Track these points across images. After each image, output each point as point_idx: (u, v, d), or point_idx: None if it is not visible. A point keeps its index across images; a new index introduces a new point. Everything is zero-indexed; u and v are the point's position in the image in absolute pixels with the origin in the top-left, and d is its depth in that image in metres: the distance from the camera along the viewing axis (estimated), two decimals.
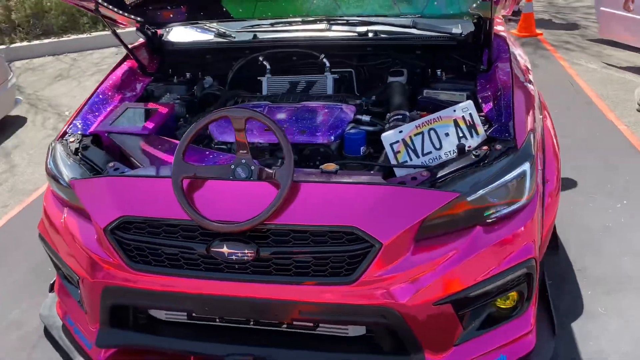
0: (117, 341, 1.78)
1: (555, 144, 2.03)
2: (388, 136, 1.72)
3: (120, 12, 2.17)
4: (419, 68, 2.26)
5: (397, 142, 1.72)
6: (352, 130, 1.87)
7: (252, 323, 1.68)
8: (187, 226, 1.54)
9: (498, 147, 1.65)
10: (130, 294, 1.67)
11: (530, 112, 1.83)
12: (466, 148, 1.69)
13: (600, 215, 2.64)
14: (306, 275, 1.51)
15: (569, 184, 2.82)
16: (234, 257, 1.51)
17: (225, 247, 1.50)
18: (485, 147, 1.66)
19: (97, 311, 1.74)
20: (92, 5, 2.07)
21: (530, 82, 2.01)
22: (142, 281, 1.62)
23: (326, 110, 1.97)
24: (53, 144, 1.98)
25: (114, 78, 2.32)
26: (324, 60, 2.25)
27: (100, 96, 2.21)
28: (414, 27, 2.24)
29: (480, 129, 1.74)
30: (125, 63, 2.42)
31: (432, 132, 1.73)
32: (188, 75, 2.46)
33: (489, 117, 1.81)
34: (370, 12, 2.12)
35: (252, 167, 1.56)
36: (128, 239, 1.60)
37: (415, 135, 1.73)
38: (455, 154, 1.69)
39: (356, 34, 2.27)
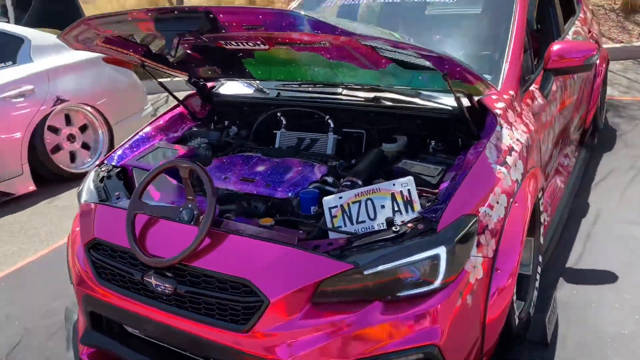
0: (95, 342, 2.12)
1: (522, 235, 1.91)
2: (328, 200, 1.82)
3: (165, 68, 2.59)
4: (416, 137, 2.29)
5: (336, 207, 1.81)
6: (307, 190, 1.99)
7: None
8: (132, 255, 1.83)
9: (420, 226, 1.66)
10: (97, 304, 2.00)
11: (482, 197, 1.78)
12: (395, 222, 1.72)
13: (620, 319, 2.32)
14: (212, 316, 1.68)
15: (606, 276, 2.54)
16: (159, 288, 1.75)
17: (153, 278, 1.75)
18: (410, 225, 1.68)
19: (82, 313, 2.11)
20: (138, 62, 2.52)
21: (504, 164, 1.93)
22: (105, 295, 1.94)
23: (299, 168, 2.12)
24: (90, 171, 2.44)
25: (163, 119, 2.74)
26: (329, 121, 2.40)
27: (143, 134, 2.64)
28: (417, 97, 2.29)
29: (417, 205, 1.76)
30: (179, 107, 2.84)
31: (369, 202, 1.79)
32: (226, 123, 2.79)
33: (439, 195, 1.80)
34: (362, 82, 2.25)
35: (195, 212, 1.80)
36: (97, 257, 1.95)
37: (353, 202, 1.80)
38: (384, 226, 1.73)
39: (362, 99, 2.39)
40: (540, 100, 2.53)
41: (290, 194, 1.99)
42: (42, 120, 4.24)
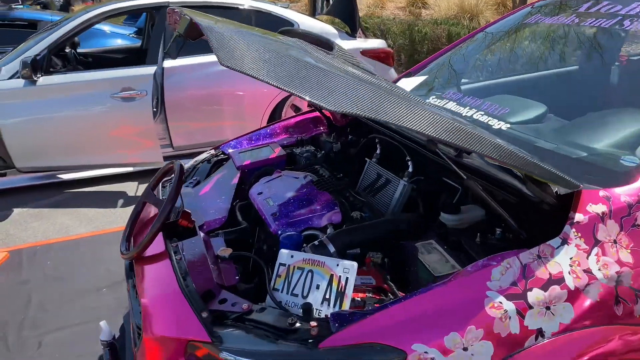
0: None
1: None
2: (282, 255, 1.53)
3: None
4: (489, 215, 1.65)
5: (285, 265, 1.51)
6: (291, 234, 1.69)
7: None
8: None
9: (314, 332, 1.24)
10: None
11: (434, 331, 1.18)
12: (313, 312, 1.33)
13: None
14: None
15: None
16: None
17: None
18: (313, 324, 1.26)
19: None
20: None
21: (519, 298, 1.21)
22: None
23: (316, 207, 1.81)
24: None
25: (295, 119, 2.72)
26: (408, 162, 1.94)
27: (269, 129, 2.68)
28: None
29: (347, 302, 1.31)
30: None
31: (309, 275, 1.43)
32: (349, 137, 2.57)
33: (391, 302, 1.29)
34: None
35: (177, 209, 1.79)
36: None
37: (297, 268, 1.47)
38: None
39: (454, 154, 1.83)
40: None
41: (280, 231, 1.74)
42: (283, 99, 4.69)
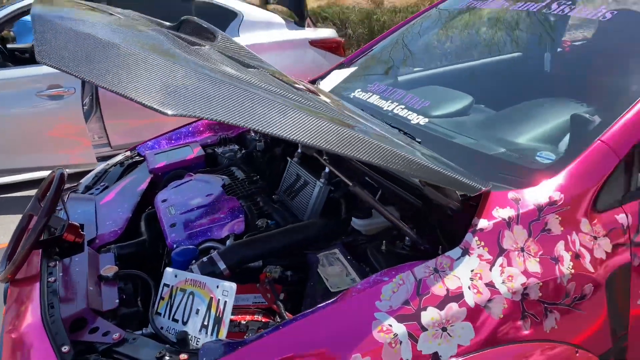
0: None
1: None
2: (165, 274, 1.36)
3: None
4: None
5: (168, 286, 1.34)
6: (187, 248, 1.52)
7: None
8: None
9: None
10: None
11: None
12: (189, 341, 1.17)
13: None
14: None
15: None
16: None
17: None
18: (184, 357, 1.10)
19: None
20: None
21: (410, 319, 1.07)
22: None
23: (219, 216, 1.64)
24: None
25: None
26: (326, 164, 1.78)
27: (191, 127, 2.49)
28: None
29: (224, 330, 1.15)
30: None
31: (190, 297, 1.27)
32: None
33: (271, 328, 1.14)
34: None
35: (62, 223, 1.60)
36: None
37: (180, 289, 1.30)
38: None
39: None
40: None
41: (175, 245, 1.57)
42: None
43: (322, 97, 1.44)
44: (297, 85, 1.31)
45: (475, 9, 2.31)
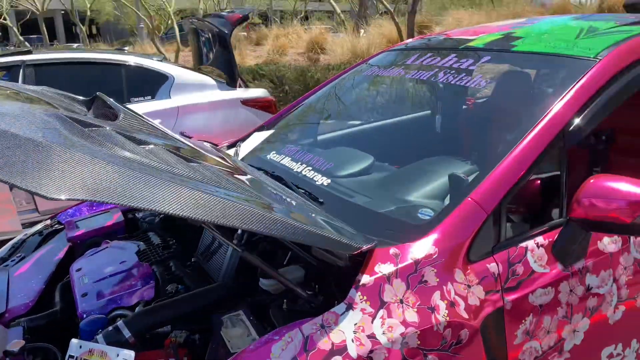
0: None
1: None
2: (71, 345, 1.38)
3: None
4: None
5: (74, 357, 1.37)
6: (95, 318, 1.56)
7: None
8: None
9: None
10: None
11: None
12: None
13: None
14: None
15: None
16: None
17: None
18: None
19: None
20: None
21: None
22: None
23: (130, 283, 1.70)
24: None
25: None
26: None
27: None
28: None
29: None
30: None
31: None
32: None
33: None
34: None
35: None
36: None
37: None
38: None
39: None
40: (541, 267, 1.51)
41: (85, 315, 1.60)
42: None
43: (222, 167, 1.55)
44: (193, 157, 1.41)
45: (380, 77, 2.53)
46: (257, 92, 5.16)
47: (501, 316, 1.43)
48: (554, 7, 13.35)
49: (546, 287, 1.50)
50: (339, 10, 16.02)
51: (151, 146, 1.33)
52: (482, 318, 1.39)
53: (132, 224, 2.30)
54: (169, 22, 15.79)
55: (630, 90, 1.76)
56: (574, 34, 2.03)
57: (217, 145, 2.65)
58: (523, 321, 1.46)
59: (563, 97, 1.67)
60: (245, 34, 19.61)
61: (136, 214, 2.37)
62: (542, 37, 2.09)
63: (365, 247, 1.32)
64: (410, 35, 9.83)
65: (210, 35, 5.13)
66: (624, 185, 1.43)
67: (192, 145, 1.82)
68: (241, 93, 4.98)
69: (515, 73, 2.18)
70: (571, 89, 1.68)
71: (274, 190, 1.55)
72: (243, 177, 1.56)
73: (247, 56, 12.72)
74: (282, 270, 1.63)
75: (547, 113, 1.63)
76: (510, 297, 1.45)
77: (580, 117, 1.63)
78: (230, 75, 5.04)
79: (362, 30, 14.07)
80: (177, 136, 1.95)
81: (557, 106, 1.64)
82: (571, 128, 1.61)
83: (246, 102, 4.97)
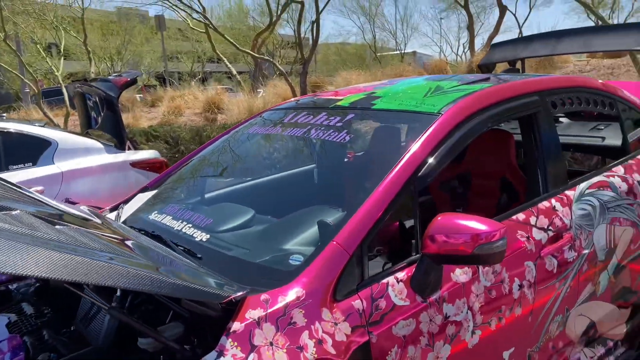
0: None
1: None
2: None
3: None
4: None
5: None
6: None
7: None
8: None
9: None
10: None
11: None
12: None
13: None
14: None
15: None
16: None
17: None
18: None
19: None
20: None
21: None
22: None
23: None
24: None
25: None
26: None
27: None
28: None
29: None
30: None
31: None
32: None
33: None
34: None
35: None
36: None
37: None
38: None
39: None
40: (402, 300, 1.67)
41: None
42: None
43: (95, 229, 1.57)
44: (63, 221, 1.42)
45: (260, 134, 2.68)
46: (147, 154, 5.12)
47: (368, 349, 1.55)
48: (432, 67, 14.66)
49: (407, 318, 1.65)
50: (234, 72, 16.41)
51: (16, 212, 1.33)
52: (349, 353, 1.50)
53: (3, 295, 2.19)
54: (59, 85, 15.22)
55: (469, 138, 2.04)
56: (423, 92, 2.31)
57: (100, 208, 2.63)
58: (389, 352, 1.59)
59: (412, 147, 1.90)
60: (141, 95, 19.35)
61: (9, 285, 2.25)
62: (397, 95, 2.36)
63: (234, 296, 1.39)
64: (304, 94, 10.33)
65: (97, 99, 5.07)
66: (464, 222, 1.64)
67: (66, 210, 1.82)
68: (130, 155, 4.93)
69: (378, 128, 2.42)
70: (418, 139, 1.92)
71: (149, 249, 1.59)
72: (116, 238, 1.59)
73: (141, 118, 12.52)
74: (162, 328, 1.64)
75: (399, 162, 1.84)
76: (376, 331, 1.58)
77: (427, 164, 1.86)
78: (119, 138, 4.98)
79: (260, 90, 14.49)
80: (51, 201, 1.93)
81: (407, 155, 1.86)
82: (420, 174, 1.83)
83: (135, 164, 4.91)
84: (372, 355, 1.55)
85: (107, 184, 4.71)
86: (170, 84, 24.57)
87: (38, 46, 16.33)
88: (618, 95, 2.83)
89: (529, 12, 26.06)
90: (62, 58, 15.76)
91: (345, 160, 2.42)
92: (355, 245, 1.63)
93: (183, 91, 14.44)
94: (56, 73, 15.21)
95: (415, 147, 1.90)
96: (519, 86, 2.36)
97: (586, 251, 2.26)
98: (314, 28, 11.79)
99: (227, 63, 16.63)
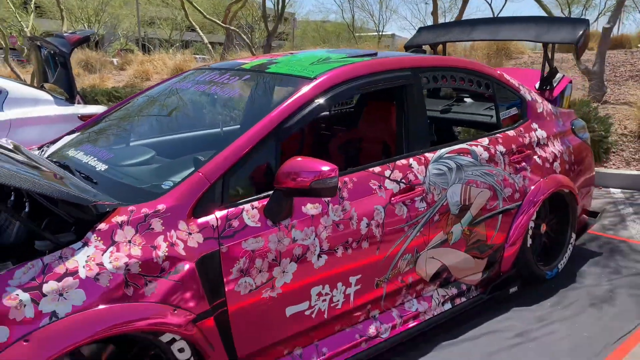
0: None
1: None
2: None
3: None
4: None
5: None
6: None
7: None
8: None
9: None
10: None
11: None
12: None
13: None
14: None
15: None
16: None
17: None
18: None
19: None
20: None
21: (35, 289, 1.57)
22: None
23: None
24: None
25: None
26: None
27: None
28: None
29: None
30: None
31: None
32: None
33: None
34: None
35: None
36: None
37: None
38: None
39: None
40: (254, 223, 2.06)
41: None
42: None
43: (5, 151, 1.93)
44: None
45: (176, 89, 3.04)
46: (95, 109, 5.41)
47: (218, 257, 1.95)
48: (400, 49, 15.01)
49: (257, 237, 2.06)
50: (206, 41, 16.54)
51: None
52: (199, 257, 1.89)
53: None
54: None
55: (335, 101, 2.44)
56: (312, 61, 2.69)
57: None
58: (237, 262, 2.00)
59: (283, 104, 2.28)
60: (117, 59, 19.31)
61: None
62: (291, 62, 2.74)
63: (100, 202, 1.77)
64: None
65: (51, 54, 5.32)
66: (306, 163, 2.04)
67: None
68: (78, 109, 5.21)
69: (258, 87, 2.79)
70: (290, 98, 2.31)
71: (54, 169, 1.95)
72: (27, 162, 1.95)
73: (109, 80, 12.66)
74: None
75: (268, 115, 2.22)
76: (226, 243, 1.98)
77: (293, 119, 2.25)
78: (69, 92, 5.25)
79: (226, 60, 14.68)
80: None
81: (276, 110, 2.24)
82: (285, 126, 2.22)
83: (83, 118, 5.20)
84: (221, 262, 1.95)
85: (54, 134, 4.98)
86: (148, 50, 24.34)
87: (10, 1, 16.15)
88: (497, 78, 3.25)
89: (505, 3, 26.59)
90: (32, 14, 15.64)
91: (232, 113, 2.81)
92: (217, 177, 2.02)
93: (153, 56, 14.54)
94: (25, 30, 15.12)
95: (285, 104, 2.28)
96: (394, 62, 2.75)
97: (438, 204, 2.69)
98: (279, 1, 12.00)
99: (200, 31, 16.73)
